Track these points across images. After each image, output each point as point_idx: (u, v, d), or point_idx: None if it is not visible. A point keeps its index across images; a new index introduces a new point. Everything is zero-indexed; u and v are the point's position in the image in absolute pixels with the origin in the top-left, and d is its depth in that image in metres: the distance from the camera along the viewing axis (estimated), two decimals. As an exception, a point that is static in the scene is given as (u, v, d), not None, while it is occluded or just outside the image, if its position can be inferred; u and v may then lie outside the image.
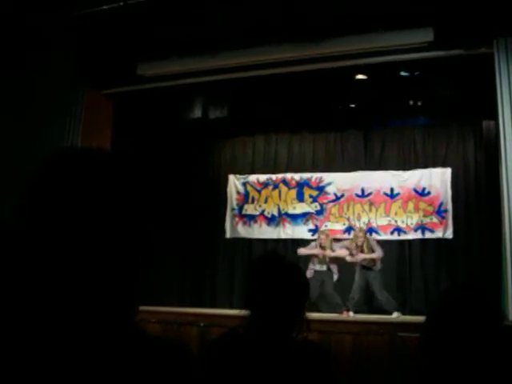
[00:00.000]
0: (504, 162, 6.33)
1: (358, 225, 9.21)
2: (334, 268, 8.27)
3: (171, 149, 10.21)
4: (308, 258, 8.37)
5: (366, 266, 8.11)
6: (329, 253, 8.25)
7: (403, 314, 7.98)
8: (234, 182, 10.28)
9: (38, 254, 0.83)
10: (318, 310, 8.12)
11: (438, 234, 8.97)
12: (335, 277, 8.26)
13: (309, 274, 7.99)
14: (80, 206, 0.85)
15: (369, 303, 8.58)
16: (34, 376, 0.80)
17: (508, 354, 1.40)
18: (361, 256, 8.09)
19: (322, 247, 8.31)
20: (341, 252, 8.33)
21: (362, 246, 8.12)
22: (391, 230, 9.24)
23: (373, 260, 8.08)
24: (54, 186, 0.87)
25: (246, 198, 10.19)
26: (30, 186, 0.88)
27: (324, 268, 8.23)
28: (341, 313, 7.81)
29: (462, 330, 1.41)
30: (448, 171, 9.15)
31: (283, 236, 9.82)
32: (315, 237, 8.98)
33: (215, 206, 10.24)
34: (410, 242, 9.18)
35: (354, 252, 8.15)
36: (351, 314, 7.77)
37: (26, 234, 0.85)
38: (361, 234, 8.28)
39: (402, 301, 8.61)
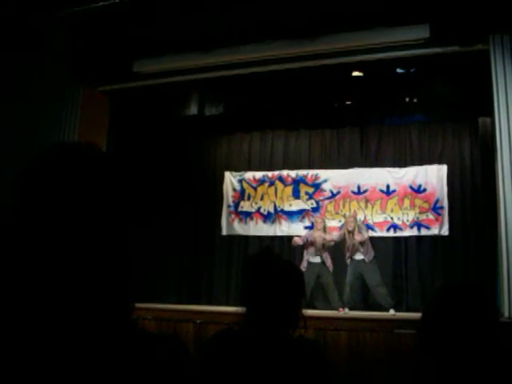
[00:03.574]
0: (500, 159, 6.34)
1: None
2: (328, 260, 8.24)
3: (167, 146, 10.21)
4: (303, 250, 8.38)
5: (357, 259, 8.07)
6: (325, 236, 8.25)
7: (399, 310, 7.99)
8: (230, 179, 10.27)
9: (28, 252, 0.83)
10: (314, 307, 8.13)
11: (434, 231, 8.99)
12: (330, 269, 8.23)
13: (303, 265, 8.00)
14: (72, 202, 0.85)
15: (364, 299, 8.59)
16: (31, 374, 0.80)
17: (504, 351, 1.40)
18: (357, 238, 8.02)
19: (319, 229, 8.35)
20: (334, 236, 8.37)
21: (353, 232, 8.09)
22: (387, 226, 9.25)
23: (361, 248, 8.04)
24: (44, 182, 0.86)
25: (241, 195, 10.18)
26: (21, 183, 0.88)
27: (318, 260, 8.21)
28: (338, 310, 7.82)
29: (458, 326, 1.42)
30: (444, 168, 9.16)
31: (279, 233, 9.82)
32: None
33: (211, 203, 10.23)
34: (405, 238, 9.18)
35: (348, 239, 8.13)
36: (346, 310, 7.78)
37: (17, 231, 0.85)
38: (351, 220, 8.28)
39: (397, 297, 8.62)
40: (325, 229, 8.42)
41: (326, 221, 9.14)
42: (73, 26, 7.09)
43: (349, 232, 8.12)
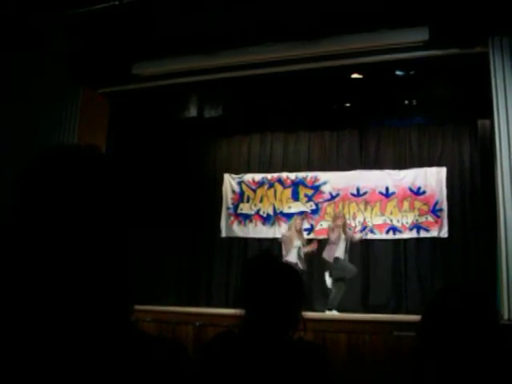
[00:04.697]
0: (499, 161, 6.34)
1: (353, 224, 9.22)
2: (303, 259, 8.27)
3: (167, 148, 10.20)
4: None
5: (334, 257, 8.08)
6: (299, 238, 8.27)
7: (399, 312, 7.98)
8: (230, 181, 10.28)
9: (28, 253, 0.83)
10: (313, 309, 8.12)
11: (434, 233, 8.99)
12: (302, 266, 8.20)
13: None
14: (71, 203, 0.85)
15: (363, 301, 8.59)
16: (31, 375, 0.80)
17: (504, 353, 1.40)
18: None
19: (297, 230, 8.36)
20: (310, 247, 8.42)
21: (342, 226, 8.20)
22: (387, 229, 9.25)
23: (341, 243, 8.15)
24: (44, 183, 0.86)
25: (241, 197, 10.18)
26: (21, 184, 0.87)
27: (294, 259, 8.19)
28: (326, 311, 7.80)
29: (458, 328, 1.41)
30: (443, 170, 9.16)
31: (278, 235, 9.77)
32: (311, 236, 9.06)
33: (210, 205, 10.23)
34: (405, 241, 9.19)
35: (333, 238, 8.14)
36: (335, 312, 7.70)
37: (17, 232, 0.85)
38: (341, 215, 8.52)
39: (397, 300, 8.62)
40: (300, 231, 8.43)
41: (325, 222, 9.13)
42: (73, 28, 7.09)
43: (336, 226, 8.20)
